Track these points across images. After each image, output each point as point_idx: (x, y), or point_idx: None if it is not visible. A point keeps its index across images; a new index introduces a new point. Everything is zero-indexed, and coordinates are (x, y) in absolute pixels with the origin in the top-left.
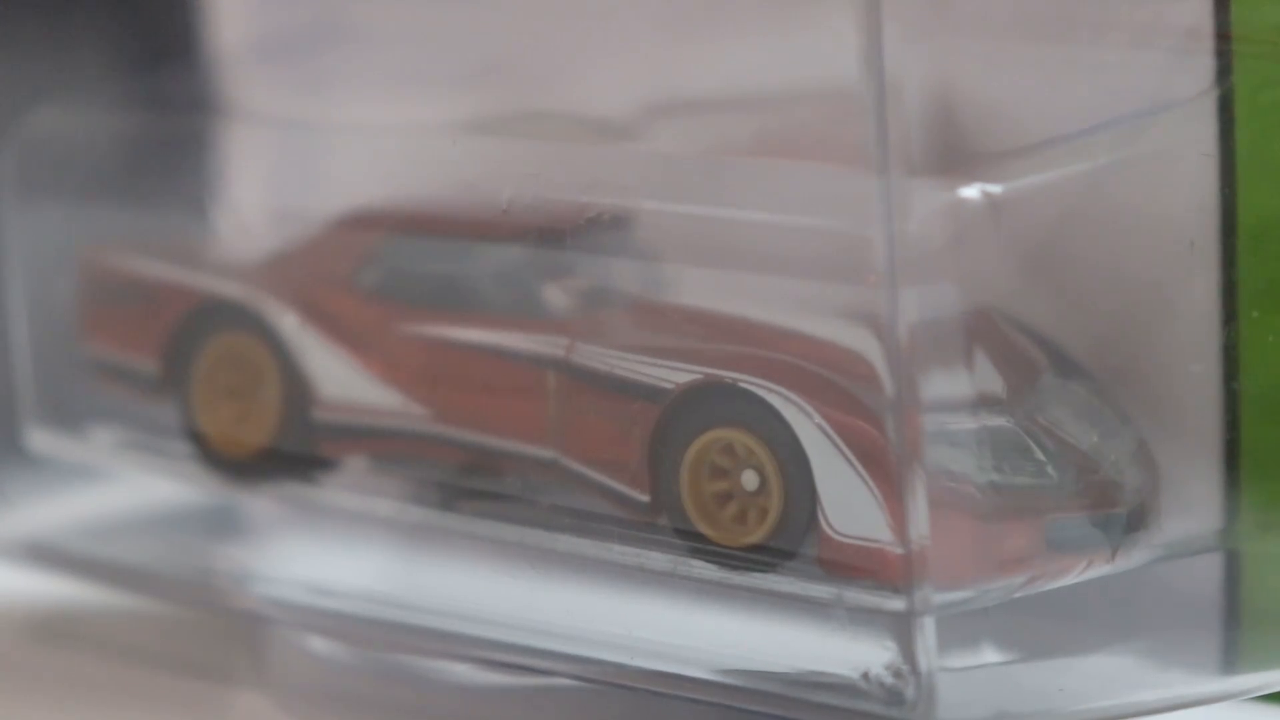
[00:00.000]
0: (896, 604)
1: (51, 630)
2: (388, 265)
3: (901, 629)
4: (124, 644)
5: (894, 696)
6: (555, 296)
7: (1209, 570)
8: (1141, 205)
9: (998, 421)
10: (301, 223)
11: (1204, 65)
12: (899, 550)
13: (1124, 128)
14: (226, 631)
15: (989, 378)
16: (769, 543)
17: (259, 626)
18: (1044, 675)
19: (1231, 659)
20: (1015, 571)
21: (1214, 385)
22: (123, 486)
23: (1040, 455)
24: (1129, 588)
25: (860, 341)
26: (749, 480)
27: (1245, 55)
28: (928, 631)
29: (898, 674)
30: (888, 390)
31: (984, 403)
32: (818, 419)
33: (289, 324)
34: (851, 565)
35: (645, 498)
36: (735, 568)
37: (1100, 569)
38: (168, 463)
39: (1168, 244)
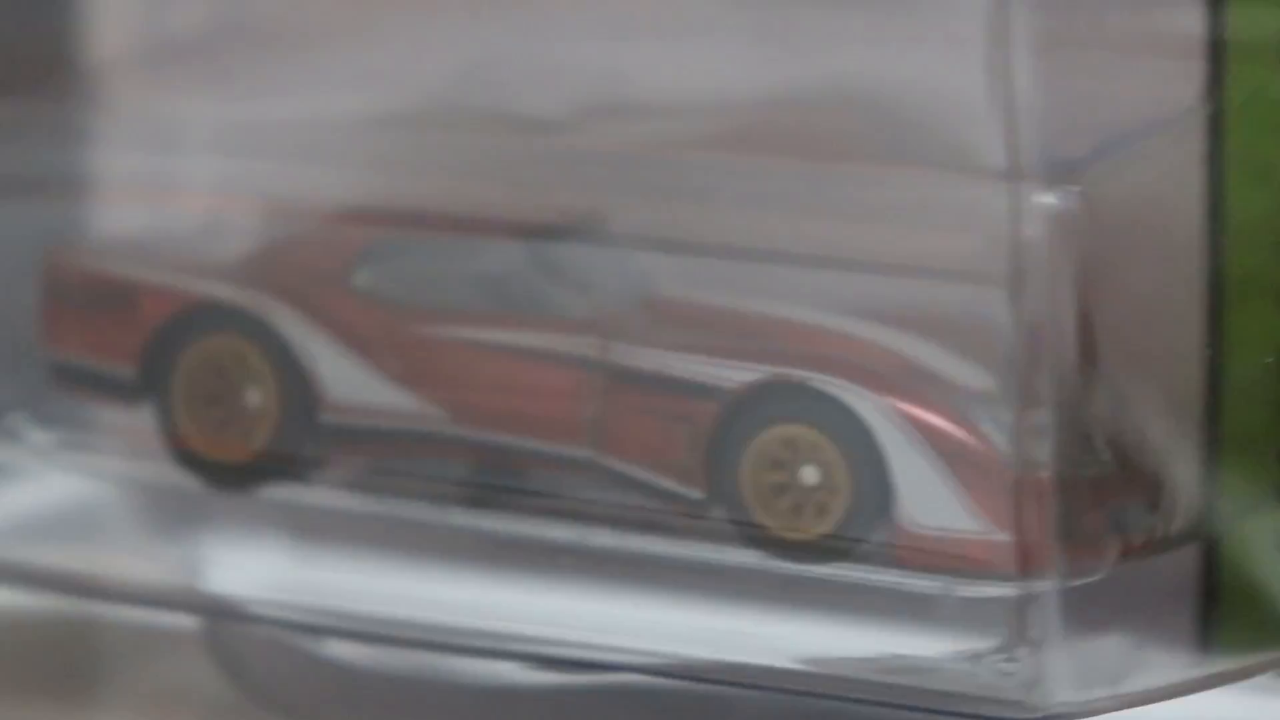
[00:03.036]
0: (1009, 591)
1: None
2: (386, 263)
3: (1013, 614)
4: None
5: (1005, 680)
6: (585, 296)
7: (1187, 560)
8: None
9: (1071, 414)
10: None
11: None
12: (991, 539)
13: (1164, 134)
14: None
15: (1069, 373)
16: (835, 534)
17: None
18: (1124, 652)
19: (1209, 646)
20: (1096, 556)
21: (1197, 376)
22: (44, 487)
23: (1102, 445)
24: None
25: (960, 342)
26: (808, 475)
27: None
28: (1044, 614)
29: (1010, 658)
30: (996, 390)
31: (1064, 396)
32: (896, 417)
33: (289, 326)
34: (935, 555)
35: (699, 494)
36: (806, 559)
37: (1148, 556)
38: (131, 466)
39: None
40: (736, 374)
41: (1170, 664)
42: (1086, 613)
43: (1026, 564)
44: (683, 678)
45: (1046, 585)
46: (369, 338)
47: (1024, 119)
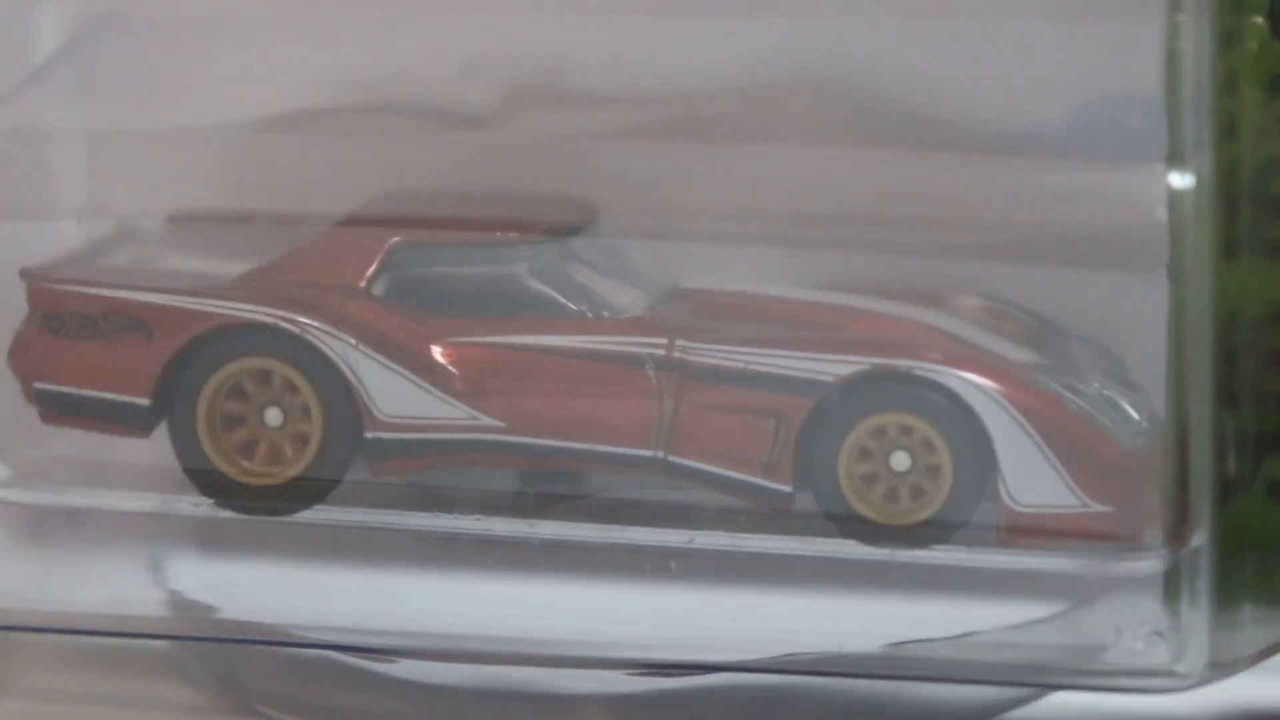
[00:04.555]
0: (1154, 565)
1: None
2: (407, 271)
3: (1160, 588)
4: None
5: (1155, 654)
6: (617, 294)
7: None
8: None
9: (1118, 389)
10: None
11: None
12: (1102, 512)
13: None
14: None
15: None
16: (938, 518)
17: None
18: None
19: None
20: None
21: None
22: None
23: (1137, 415)
24: None
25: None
26: (902, 460)
27: None
28: (1198, 584)
29: (1158, 632)
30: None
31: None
32: (1000, 400)
33: (332, 343)
34: (1038, 534)
35: (787, 488)
36: (905, 544)
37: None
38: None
39: None
40: (833, 367)
41: None
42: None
43: (1181, 537)
44: (798, 672)
45: (1183, 554)
46: (418, 349)
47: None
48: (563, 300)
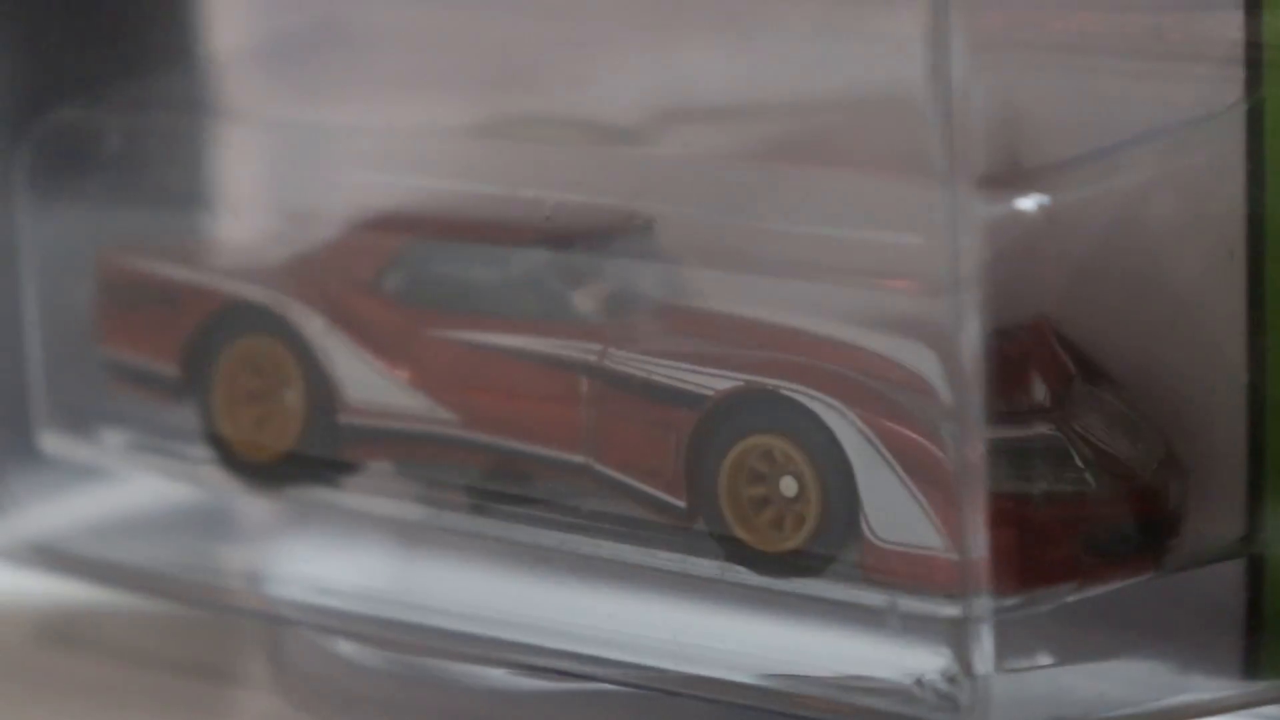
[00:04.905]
0: (953, 610)
1: (59, 633)
2: (411, 269)
3: (957, 635)
4: (132, 646)
5: (948, 702)
6: (584, 302)
7: (1233, 577)
8: (1184, 216)
9: (1042, 429)
10: (315, 225)
11: (1236, 77)
12: (953, 557)
13: (1167, 140)
14: (236, 633)
15: (1036, 387)
16: (807, 549)
17: (272, 627)
18: (1086, 680)
19: (1254, 665)
20: (1063, 578)
21: (1240, 392)
22: (131, 488)
23: (1079, 463)
24: (1155, 594)
25: (913, 353)
26: (787, 486)
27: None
28: (984, 638)
29: (952, 680)
30: (946, 401)
31: (1032, 412)
32: (863, 427)
33: (314, 327)
34: (898, 572)
35: (682, 503)
36: (774, 573)
37: (1142, 575)
38: (182, 466)
39: (1206, 254)
40: (714, 382)
41: (1159, 690)
42: (1052, 637)
43: (969, 583)
44: (648, 689)
45: (992, 606)
46: (387, 340)
47: (969, 122)
48: (529, 304)
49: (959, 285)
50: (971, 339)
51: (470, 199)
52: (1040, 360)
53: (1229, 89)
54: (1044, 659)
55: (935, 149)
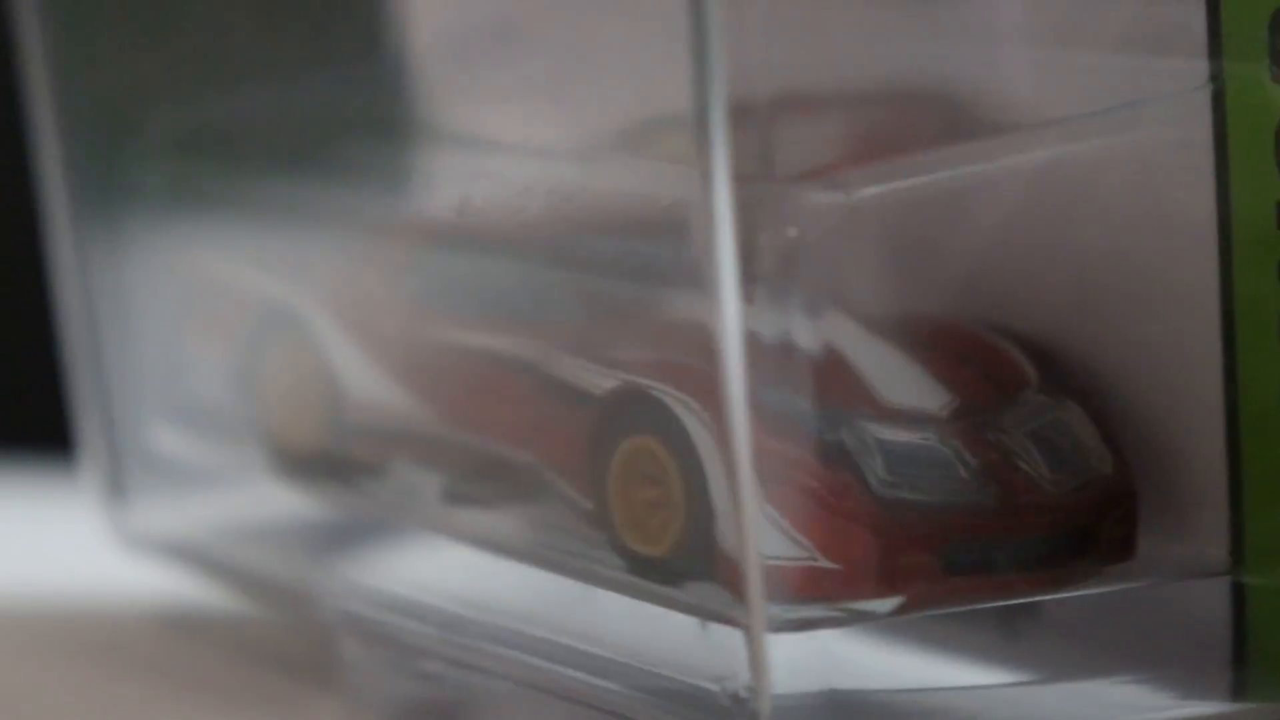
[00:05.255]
0: (739, 617)
1: (183, 629)
2: (441, 269)
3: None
4: (253, 647)
5: (746, 713)
6: (520, 299)
7: (1217, 597)
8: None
9: (908, 436)
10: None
11: (1193, 64)
12: (823, 566)
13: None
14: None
15: (921, 391)
16: (679, 555)
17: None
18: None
19: (1240, 689)
20: (899, 590)
21: (1217, 407)
22: (251, 492)
23: (963, 473)
24: (1127, 612)
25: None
26: (654, 490)
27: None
28: (764, 648)
29: (751, 690)
30: (720, 397)
31: (892, 415)
32: (709, 425)
33: (327, 328)
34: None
35: (589, 504)
36: (649, 577)
37: (1034, 592)
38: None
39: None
40: (602, 380)
41: None
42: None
43: (753, 590)
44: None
45: (790, 615)
46: (391, 340)
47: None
48: (491, 305)
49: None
50: (746, 335)
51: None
52: (939, 362)
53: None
54: (856, 675)
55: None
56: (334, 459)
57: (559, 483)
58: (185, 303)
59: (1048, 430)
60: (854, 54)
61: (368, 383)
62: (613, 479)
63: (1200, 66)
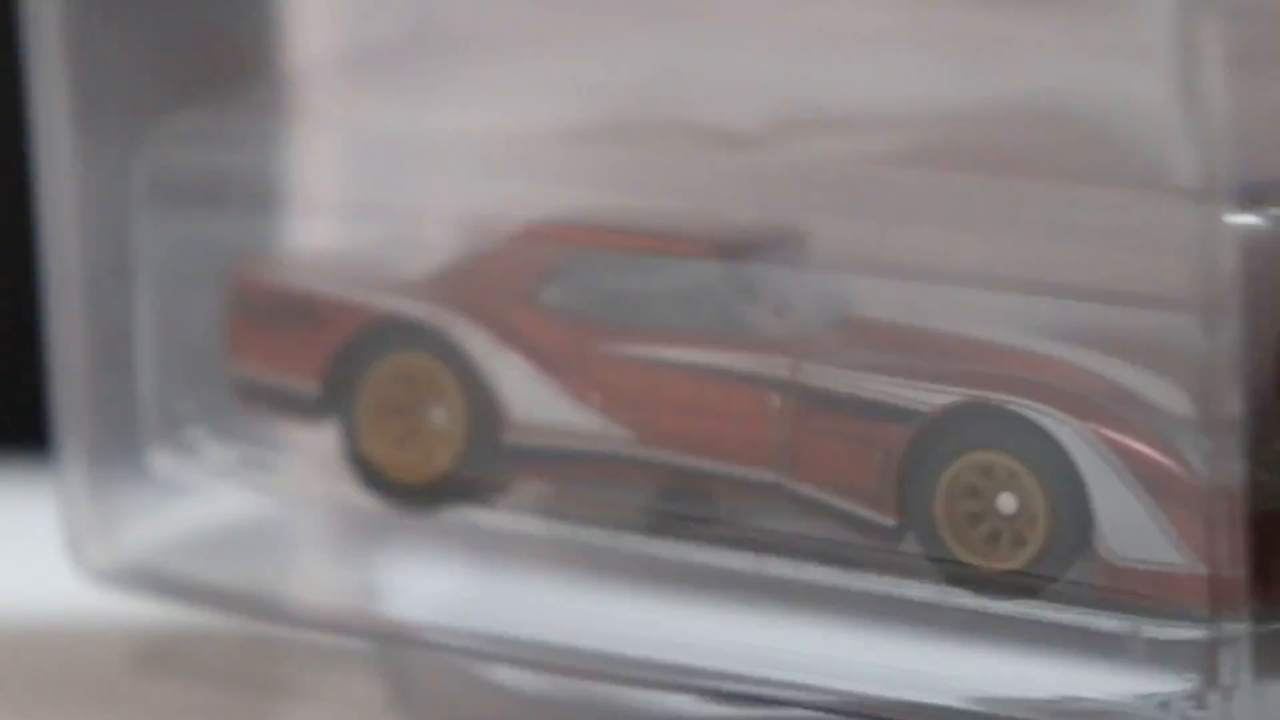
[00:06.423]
0: (1200, 633)
1: (158, 657)
2: (572, 281)
3: (1206, 657)
4: (223, 669)
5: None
6: (763, 314)
7: None
8: None
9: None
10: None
11: None
12: (1199, 574)
13: None
14: (327, 655)
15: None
16: (1032, 568)
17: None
18: None
19: None
20: None
21: None
22: (218, 505)
23: None
24: None
25: (1158, 367)
26: (1005, 504)
27: None
28: (1237, 658)
29: (1202, 703)
30: (1197, 417)
31: (1270, 425)
32: (1098, 444)
33: (476, 344)
34: (1135, 590)
35: (890, 521)
36: (996, 595)
37: None
38: (299, 483)
39: None
40: (931, 396)
41: None
42: None
43: (1219, 602)
44: (856, 716)
45: (1241, 626)
46: (556, 356)
47: (1217, 136)
48: (706, 318)
49: (1213, 302)
50: (1227, 355)
51: (625, 210)
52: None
53: None
54: None
55: (1185, 164)
56: (478, 481)
57: (830, 500)
58: (239, 319)
59: None
60: None
61: (544, 402)
62: (940, 495)
63: None
